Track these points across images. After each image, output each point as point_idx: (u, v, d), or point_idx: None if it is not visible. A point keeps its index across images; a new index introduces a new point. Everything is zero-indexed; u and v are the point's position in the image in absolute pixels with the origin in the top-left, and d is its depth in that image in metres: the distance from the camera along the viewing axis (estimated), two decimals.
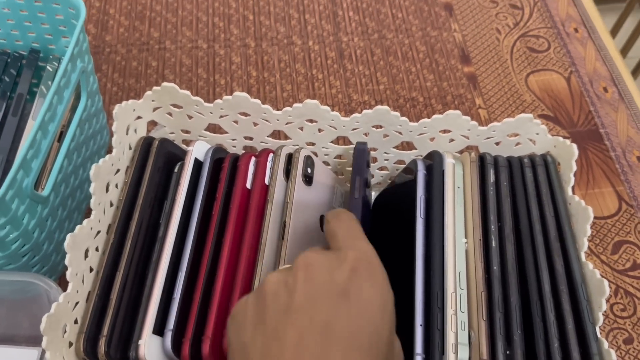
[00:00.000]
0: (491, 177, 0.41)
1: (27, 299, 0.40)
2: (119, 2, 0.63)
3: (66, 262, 0.35)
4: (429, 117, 0.56)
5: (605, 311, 0.36)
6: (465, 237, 0.39)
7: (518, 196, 0.41)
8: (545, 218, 0.39)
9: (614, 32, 1.12)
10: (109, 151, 0.40)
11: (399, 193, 0.46)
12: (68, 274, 0.35)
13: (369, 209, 0.44)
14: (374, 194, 0.49)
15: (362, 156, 0.42)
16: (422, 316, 0.36)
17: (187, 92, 0.42)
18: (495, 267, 0.37)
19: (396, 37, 0.62)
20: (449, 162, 0.41)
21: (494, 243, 0.38)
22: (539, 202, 0.40)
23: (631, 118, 0.57)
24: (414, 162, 0.43)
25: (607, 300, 0.46)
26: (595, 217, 0.51)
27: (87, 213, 0.47)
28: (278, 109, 0.57)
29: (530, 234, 0.39)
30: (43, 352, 0.41)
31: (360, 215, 0.38)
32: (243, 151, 0.47)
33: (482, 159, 0.42)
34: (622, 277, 0.47)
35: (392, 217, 0.44)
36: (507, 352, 0.35)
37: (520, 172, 0.42)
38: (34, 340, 0.42)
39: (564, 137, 0.55)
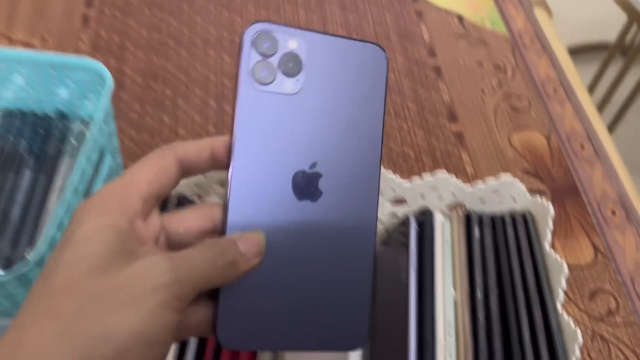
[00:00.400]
0: (476, 234, 0.45)
1: None
2: (134, 62, 0.68)
3: None
4: (419, 171, 0.61)
5: (578, 358, 0.40)
6: (454, 288, 0.43)
7: (501, 251, 0.45)
8: (525, 272, 0.44)
9: (595, 80, 1.19)
10: None
11: (394, 245, 0.51)
12: None
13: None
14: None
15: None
16: None
17: None
18: (480, 318, 0.41)
19: (389, 96, 0.67)
20: (438, 219, 0.46)
21: (479, 295, 0.42)
22: (520, 257, 0.45)
23: (605, 174, 0.62)
24: (407, 218, 0.48)
25: (584, 345, 0.50)
26: (573, 267, 0.55)
27: None
28: None
29: (512, 287, 0.43)
30: None
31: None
32: None
33: (468, 216, 0.46)
34: (598, 323, 0.52)
35: (389, 267, 0.48)
36: None
37: (502, 229, 0.46)
38: None
39: (544, 191, 0.60)
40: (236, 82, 0.28)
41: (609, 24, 1.56)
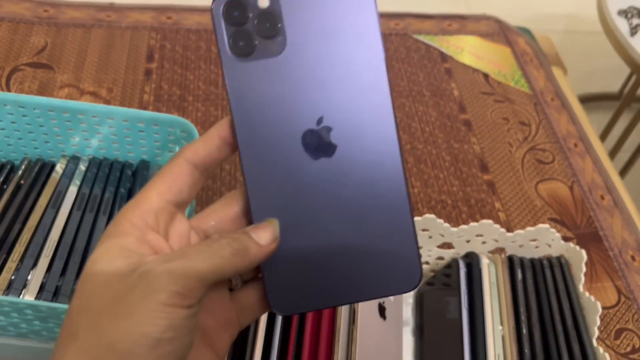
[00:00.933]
0: (519, 276, 0.51)
1: None
2: (194, 113, 0.75)
3: None
4: (457, 217, 0.67)
5: None
6: (501, 324, 0.49)
7: (541, 292, 0.51)
8: (563, 310, 0.49)
9: (608, 129, 1.27)
10: None
11: (438, 285, 0.57)
12: None
13: None
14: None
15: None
16: None
17: None
18: (526, 351, 0.47)
19: (425, 148, 0.74)
20: (485, 262, 0.52)
21: (524, 330, 0.48)
22: (557, 297, 0.50)
23: (625, 222, 0.68)
24: (456, 261, 0.53)
25: None
26: None
27: None
28: None
29: (552, 323, 0.49)
30: None
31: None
32: None
33: (510, 260, 0.52)
34: (624, 359, 0.57)
35: (435, 305, 0.54)
36: None
37: (541, 272, 0.52)
38: None
39: (569, 238, 0.66)
40: (220, 61, 0.27)
41: (610, 75, 1.65)
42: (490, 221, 0.53)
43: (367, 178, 0.28)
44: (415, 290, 0.59)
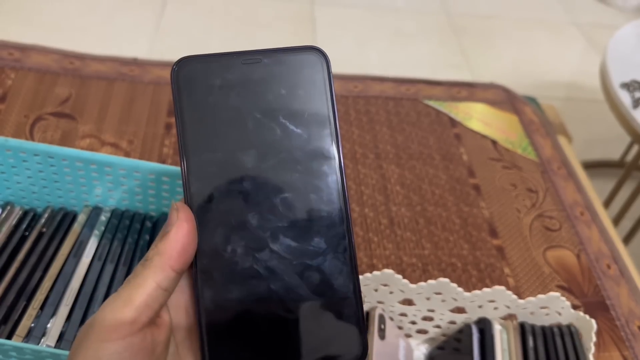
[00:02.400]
0: (530, 343, 0.52)
1: None
2: None
3: None
4: (466, 281, 0.68)
5: None
6: None
7: (551, 358, 0.51)
8: None
9: (611, 196, 1.29)
10: None
11: (448, 349, 0.57)
12: None
13: None
14: (426, 347, 0.59)
15: None
16: None
17: None
18: None
19: (435, 210, 0.76)
20: (497, 328, 0.53)
21: None
22: None
23: (631, 292, 0.69)
24: (468, 326, 0.54)
25: None
26: None
27: None
28: None
29: None
30: None
31: None
32: None
33: (522, 327, 0.53)
34: None
35: None
36: None
37: (552, 339, 0.53)
38: None
39: (577, 306, 0.67)
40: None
41: (611, 142, 1.69)
42: (502, 287, 0.54)
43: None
44: (427, 353, 0.59)
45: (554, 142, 0.89)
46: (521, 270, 0.70)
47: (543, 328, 0.54)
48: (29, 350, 0.43)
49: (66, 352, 0.43)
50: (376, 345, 0.52)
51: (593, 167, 1.59)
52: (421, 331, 0.59)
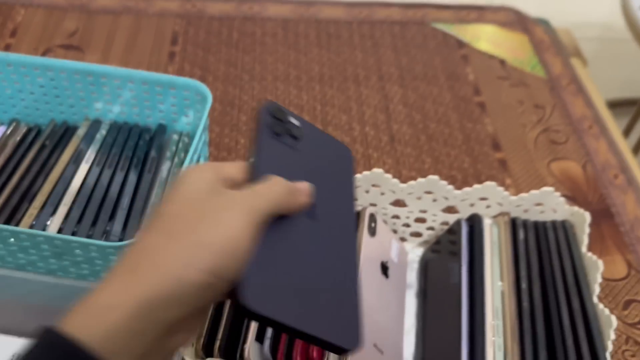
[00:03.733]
0: (521, 235, 0.52)
1: None
2: (213, 92, 0.77)
3: None
4: None
5: (613, 340, 0.45)
6: (501, 280, 0.49)
7: (543, 251, 0.51)
8: (564, 268, 0.50)
9: (627, 130, 1.25)
10: None
11: (444, 252, 0.57)
12: None
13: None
14: (421, 251, 0.60)
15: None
16: (467, 341, 0.46)
17: None
18: (525, 304, 0.47)
19: (438, 127, 0.75)
20: (487, 222, 0.53)
21: (523, 285, 0.48)
22: (560, 256, 0.51)
23: (637, 200, 0.68)
24: (458, 222, 0.54)
25: (620, 347, 0.55)
26: (608, 279, 0.60)
27: None
28: None
29: (553, 280, 0.49)
30: None
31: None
32: None
33: (513, 221, 0.53)
34: (632, 329, 0.56)
35: (440, 272, 0.54)
36: None
37: (544, 233, 0.53)
38: None
39: None
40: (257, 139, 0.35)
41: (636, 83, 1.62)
42: (493, 183, 0.54)
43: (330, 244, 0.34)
44: (421, 255, 0.59)
45: (565, 60, 0.87)
46: (523, 181, 0.69)
47: (536, 223, 0.53)
48: (24, 235, 0.45)
49: (54, 234, 0.45)
50: (365, 240, 0.52)
51: (617, 105, 1.54)
52: (415, 234, 0.59)
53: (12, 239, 0.46)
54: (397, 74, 0.83)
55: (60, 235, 0.44)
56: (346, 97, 0.79)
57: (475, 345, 0.45)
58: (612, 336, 0.44)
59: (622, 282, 0.60)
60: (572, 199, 0.68)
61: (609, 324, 0.45)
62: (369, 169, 0.70)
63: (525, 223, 0.53)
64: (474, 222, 0.53)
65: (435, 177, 0.54)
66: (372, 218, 0.54)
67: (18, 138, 0.61)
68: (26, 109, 0.63)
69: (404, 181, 0.68)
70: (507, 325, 0.46)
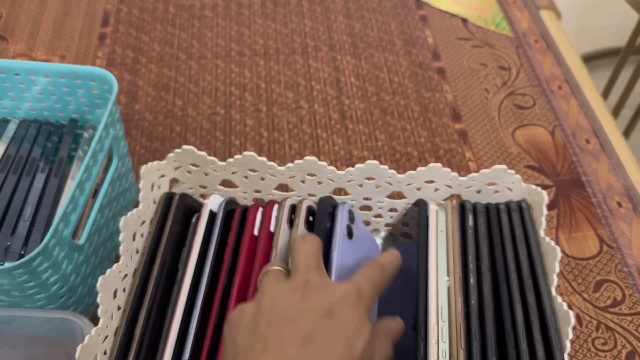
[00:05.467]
0: (470, 222, 0.46)
1: (64, 337, 0.46)
2: (146, 75, 0.71)
3: (98, 300, 0.40)
4: None
5: (571, 339, 0.39)
6: (447, 275, 0.43)
7: (494, 238, 0.45)
8: (519, 257, 0.44)
9: (609, 85, 1.18)
10: (136, 206, 0.46)
11: (397, 236, 0.52)
12: (99, 310, 0.40)
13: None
14: (382, 236, 0.54)
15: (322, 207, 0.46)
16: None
17: (204, 153, 0.49)
18: (473, 302, 0.42)
19: (393, 99, 0.69)
20: (432, 208, 0.47)
21: (472, 280, 0.43)
22: (514, 243, 0.45)
23: (611, 166, 0.62)
24: (405, 210, 0.48)
25: (590, 335, 0.50)
26: (577, 258, 0.55)
27: (117, 260, 0.52)
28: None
29: (505, 272, 0.43)
30: None
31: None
32: (253, 203, 0.53)
33: (462, 205, 0.47)
34: (603, 313, 0.51)
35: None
36: None
37: (497, 217, 0.47)
38: None
39: (548, 186, 0.60)
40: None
41: (626, 29, 1.54)
42: (439, 165, 0.48)
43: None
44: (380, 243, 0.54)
45: (533, 14, 0.79)
46: (485, 153, 0.63)
47: (487, 206, 0.47)
48: None
49: None
50: (294, 232, 0.46)
51: (602, 57, 1.46)
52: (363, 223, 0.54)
53: None
54: (350, 42, 0.76)
55: None
56: (293, 72, 0.72)
57: (416, 352, 0.39)
58: (570, 335, 0.39)
59: (593, 261, 0.54)
60: (539, 169, 0.62)
61: (567, 321, 0.39)
62: (317, 151, 0.64)
63: (475, 207, 0.47)
64: (419, 209, 0.47)
65: (374, 162, 0.48)
66: (311, 210, 0.48)
67: None
68: None
69: (354, 162, 0.62)
70: (453, 328, 0.40)
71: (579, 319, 0.51)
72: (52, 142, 0.54)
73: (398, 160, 0.62)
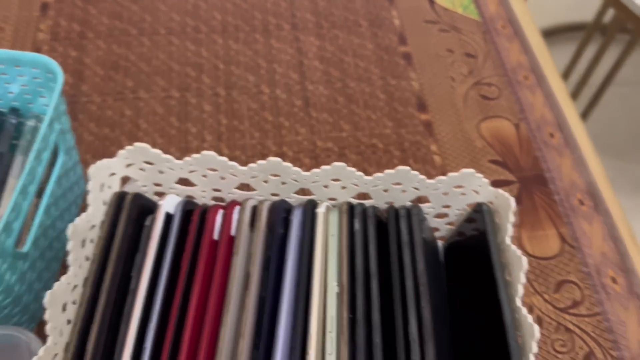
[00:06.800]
0: (356, 225, 0.45)
1: (8, 347, 0.43)
2: (94, 52, 0.66)
3: (46, 317, 0.37)
4: (388, 163, 0.60)
5: (535, 353, 0.39)
6: (337, 283, 0.42)
7: (392, 245, 0.44)
8: (416, 265, 0.42)
9: (572, 63, 1.19)
10: (83, 206, 0.42)
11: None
12: (48, 327, 0.37)
13: None
14: None
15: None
16: None
17: (159, 151, 0.45)
18: (359, 312, 0.40)
19: (358, 86, 0.66)
20: (320, 211, 0.45)
21: (359, 288, 0.41)
22: (399, 251, 0.43)
23: (574, 163, 0.62)
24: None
25: (549, 337, 0.50)
26: (539, 258, 0.55)
27: (64, 266, 0.49)
28: (247, 156, 0.60)
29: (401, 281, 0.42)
30: None
31: None
32: (212, 202, 0.50)
33: (351, 208, 0.46)
34: (563, 314, 0.52)
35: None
36: None
37: (394, 220, 0.45)
38: None
39: (512, 182, 0.59)
40: None
41: (586, 3, 1.55)
42: (407, 168, 0.46)
43: None
44: None
45: None
46: (450, 146, 0.62)
47: (375, 209, 0.46)
48: None
49: None
50: (256, 236, 0.44)
51: (561, 32, 1.47)
52: None
53: None
54: (314, 21, 0.72)
55: None
56: (254, 53, 0.68)
57: None
58: (535, 349, 0.38)
59: (554, 261, 0.55)
60: (503, 164, 0.61)
61: (532, 334, 0.39)
62: (280, 141, 0.61)
63: (365, 210, 0.45)
64: (305, 210, 0.46)
65: (341, 165, 0.46)
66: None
67: None
68: None
69: (318, 154, 0.60)
70: (341, 339, 0.39)
71: (539, 320, 0.51)
72: None
73: (363, 152, 0.61)
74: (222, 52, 0.68)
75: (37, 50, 0.65)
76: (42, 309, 0.38)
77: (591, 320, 0.51)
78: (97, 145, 0.58)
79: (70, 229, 0.40)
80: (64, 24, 0.68)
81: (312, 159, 0.60)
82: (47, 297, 0.38)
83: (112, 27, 0.68)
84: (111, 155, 0.57)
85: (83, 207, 0.53)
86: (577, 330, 0.51)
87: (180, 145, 0.59)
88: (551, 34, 1.52)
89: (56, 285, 0.39)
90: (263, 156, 0.59)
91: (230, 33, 0.70)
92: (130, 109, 0.61)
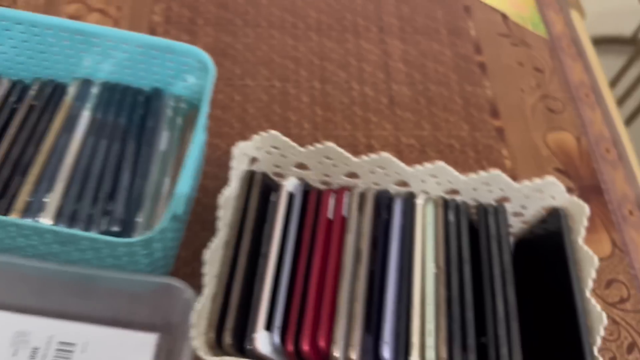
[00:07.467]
0: (451, 217, 0.53)
1: (166, 294, 0.50)
2: (204, 38, 0.73)
3: (204, 270, 0.46)
4: (464, 163, 0.67)
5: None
6: (435, 264, 0.50)
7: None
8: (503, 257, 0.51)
9: (619, 75, 1.25)
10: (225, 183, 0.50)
11: None
12: (205, 279, 0.46)
13: None
14: None
15: None
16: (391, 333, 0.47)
17: (287, 139, 0.53)
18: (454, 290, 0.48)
19: (437, 89, 0.74)
20: (418, 202, 0.53)
21: (453, 271, 0.49)
22: (499, 242, 0.52)
23: (626, 177, 0.69)
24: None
25: None
26: None
27: (192, 220, 0.57)
28: (340, 146, 0.68)
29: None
30: (159, 337, 0.52)
31: None
32: (322, 185, 0.58)
33: (445, 202, 0.54)
34: (611, 308, 0.60)
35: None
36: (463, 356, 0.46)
37: (484, 216, 0.53)
38: (151, 327, 0.53)
39: (572, 190, 0.67)
40: None
41: (628, 15, 1.61)
42: (498, 172, 0.54)
43: None
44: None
45: (567, 17, 0.85)
46: (519, 152, 0.70)
47: (466, 204, 0.54)
48: (28, 228, 0.43)
49: (63, 230, 0.44)
50: (365, 219, 0.52)
51: (604, 43, 1.53)
52: None
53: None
54: (398, 25, 0.79)
55: (70, 231, 0.43)
56: (345, 51, 0.75)
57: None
58: (602, 332, 0.47)
59: (605, 262, 0.63)
60: (565, 173, 0.69)
61: (600, 320, 0.47)
62: (368, 134, 0.69)
63: (457, 206, 0.53)
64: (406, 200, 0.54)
65: (442, 164, 0.53)
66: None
67: (2, 93, 0.57)
68: (7, 62, 0.58)
69: (402, 149, 0.68)
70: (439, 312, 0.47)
71: None
72: (137, 109, 0.57)
73: (442, 151, 0.68)
74: (317, 49, 0.75)
75: (152, 32, 0.73)
76: (169, 264, 0.46)
77: (635, 315, 0.60)
78: (213, 126, 0.66)
79: (222, 199, 0.48)
80: (175, 9, 0.75)
81: (397, 152, 0.67)
82: (207, 255, 0.46)
83: (219, 15, 0.75)
84: (224, 134, 0.65)
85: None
86: (623, 323, 0.59)
87: (282, 131, 0.67)
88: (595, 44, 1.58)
89: (212, 245, 0.47)
90: (354, 147, 0.67)
91: (324, 31, 0.77)
92: (239, 95, 0.69)
